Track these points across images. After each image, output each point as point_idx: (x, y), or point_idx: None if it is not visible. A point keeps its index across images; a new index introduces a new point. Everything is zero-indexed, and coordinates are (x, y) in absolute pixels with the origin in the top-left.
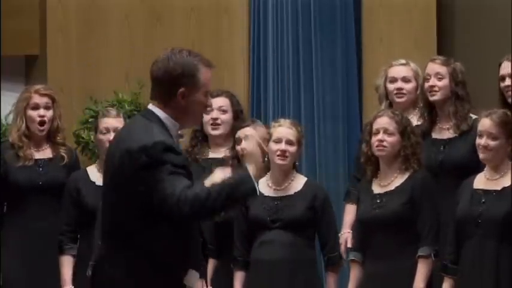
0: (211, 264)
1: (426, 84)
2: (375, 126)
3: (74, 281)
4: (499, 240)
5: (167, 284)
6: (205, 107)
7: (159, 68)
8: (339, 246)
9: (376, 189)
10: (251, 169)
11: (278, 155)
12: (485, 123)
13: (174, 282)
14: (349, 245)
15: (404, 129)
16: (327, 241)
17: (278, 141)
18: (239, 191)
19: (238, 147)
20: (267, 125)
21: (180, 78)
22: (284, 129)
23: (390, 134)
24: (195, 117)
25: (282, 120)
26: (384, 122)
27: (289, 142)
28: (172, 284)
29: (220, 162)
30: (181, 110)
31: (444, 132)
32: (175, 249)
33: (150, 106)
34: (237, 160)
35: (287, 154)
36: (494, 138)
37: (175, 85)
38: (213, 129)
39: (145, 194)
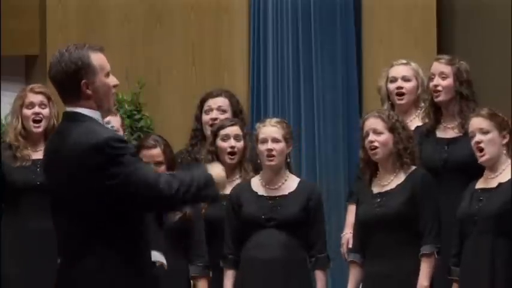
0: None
1: (430, 84)
2: (365, 129)
3: None
4: (495, 235)
5: (139, 275)
6: (113, 87)
7: (55, 73)
8: (326, 246)
9: (376, 189)
10: (217, 177)
11: (266, 156)
12: (474, 122)
13: (144, 272)
14: (350, 246)
15: (393, 126)
16: (316, 242)
17: (264, 141)
18: (205, 193)
19: (225, 144)
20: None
21: (77, 72)
22: (268, 128)
23: (379, 133)
24: (107, 100)
25: (266, 120)
26: (371, 123)
27: (274, 140)
28: (143, 275)
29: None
30: (92, 99)
31: (448, 131)
32: (140, 240)
33: (70, 109)
34: (216, 157)
35: (274, 153)
36: (486, 132)
37: (76, 81)
38: None
39: (112, 190)
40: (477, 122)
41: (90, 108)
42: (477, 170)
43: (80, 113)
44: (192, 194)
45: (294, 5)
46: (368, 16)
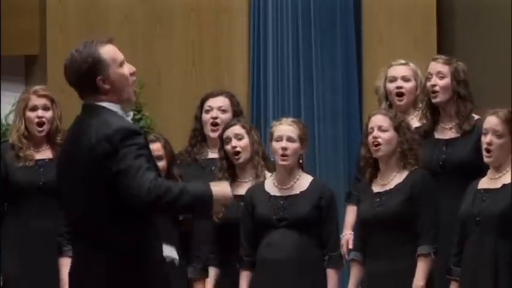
0: (212, 272)
1: (428, 84)
2: (370, 125)
3: None
4: (498, 236)
5: (147, 270)
6: (130, 76)
7: (70, 75)
8: (340, 245)
9: (376, 188)
10: (218, 194)
11: (280, 155)
12: (491, 121)
13: (150, 271)
14: (350, 246)
15: (398, 125)
16: (329, 240)
17: (279, 139)
18: (201, 209)
19: (228, 147)
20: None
21: (89, 70)
22: (284, 127)
23: (384, 131)
24: (126, 90)
25: (283, 119)
26: (377, 119)
27: (290, 139)
28: (149, 274)
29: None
30: (111, 93)
31: (446, 132)
32: (146, 239)
33: (88, 102)
34: (226, 161)
35: (287, 152)
36: (499, 136)
37: (91, 78)
38: (213, 130)
39: (113, 182)
40: (493, 123)
41: (110, 101)
42: (476, 171)
43: (98, 105)
44: (179, 205)
45: (294, 5)
46: (368, 16)
